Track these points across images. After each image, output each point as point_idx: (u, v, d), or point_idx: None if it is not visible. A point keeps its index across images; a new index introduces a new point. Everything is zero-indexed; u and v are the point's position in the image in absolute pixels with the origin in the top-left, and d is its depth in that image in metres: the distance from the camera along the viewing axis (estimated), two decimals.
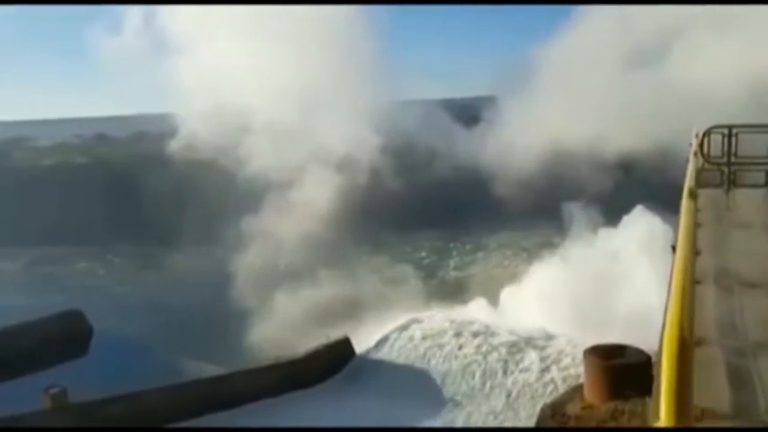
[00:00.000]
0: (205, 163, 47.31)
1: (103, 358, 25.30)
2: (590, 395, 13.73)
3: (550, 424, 12.80)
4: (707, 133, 9.52)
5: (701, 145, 9.28)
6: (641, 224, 29.37)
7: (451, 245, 43.93)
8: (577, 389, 14.75)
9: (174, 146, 52.56)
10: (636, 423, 9.93)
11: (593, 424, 11.67)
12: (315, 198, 43.61)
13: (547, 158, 44.28)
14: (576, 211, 34.01)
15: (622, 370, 13.32)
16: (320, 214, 42.55)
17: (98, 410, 19.67)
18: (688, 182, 6.40)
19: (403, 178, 47.16)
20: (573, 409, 13.05)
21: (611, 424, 11.08)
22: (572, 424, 12.28)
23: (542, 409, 14.16)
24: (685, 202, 5.08)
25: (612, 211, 32.02)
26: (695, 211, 5.18)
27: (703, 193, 8.62)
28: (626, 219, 30.94)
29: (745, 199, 9.48)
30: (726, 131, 9.70)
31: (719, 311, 4.43)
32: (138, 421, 19.78)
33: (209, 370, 23.71)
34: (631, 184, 37.45)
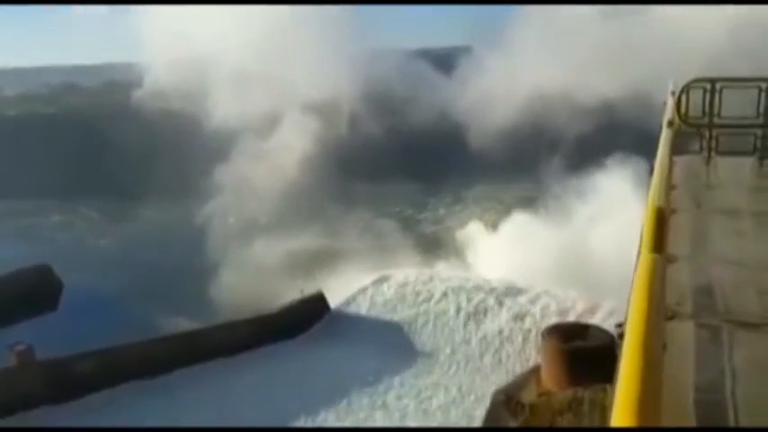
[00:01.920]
0: (175, 113, 46.00)
1: (73, 314, 24.79)
2: (547, 380, 12.84)
3: (503, 411, 12.11)
4: (685, 89, 7.86)
5: (677, 103, 7.69)
6: (619, 172, 29.28)
7: (428, 198, 43.58)
8: (534, 372, 13.96)
9: (143, 95, 51.02)
10: (596, 413, 9.36)
11: (548, 414, 10.97)
12: (291, 146, 42.76)
13: (525, 106, 43.73)
14: (553, 163, 33.84)
15: (582, 353, 12.39)
16: (296, 163, 41.80)
17: (67, 368, 19.30)
18: (655, 189, 4.07)
19: (382, 126, 46.33)
20: (528, 396, 12.31)
21: (569, 414, 10.39)
22: (526, 413, 11.63)
23: (494, 395, 13.24)
24: (644, 258, 2.51)
25: (591, 159, 31.83)
26: (663, 274, 2.63)
27: (679, 162, 7.23)
28: (605, 166, 30.90)
29: (729, 171, 7.97)
30: (708, 86, 7.97)
31: (702, 388, 2.89)
32: (109, 378, 19.51)
33: (183, 324, 23.48)
34: (610, 131, 37.11)
